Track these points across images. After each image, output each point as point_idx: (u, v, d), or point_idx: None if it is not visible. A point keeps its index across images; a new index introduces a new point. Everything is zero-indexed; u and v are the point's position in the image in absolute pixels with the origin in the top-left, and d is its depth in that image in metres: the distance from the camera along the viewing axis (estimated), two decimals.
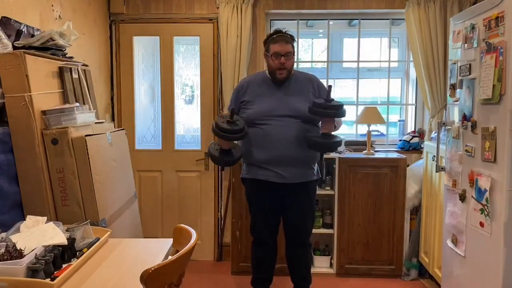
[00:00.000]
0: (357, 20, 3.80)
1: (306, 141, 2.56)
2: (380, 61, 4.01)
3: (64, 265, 1.60)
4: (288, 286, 2.92)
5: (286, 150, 2.56)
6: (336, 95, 3.91)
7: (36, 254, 1.51)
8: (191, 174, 3.82)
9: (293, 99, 2.61)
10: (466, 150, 2.34)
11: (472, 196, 2.26)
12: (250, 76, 2.90)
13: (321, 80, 2.80)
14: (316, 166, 2.73)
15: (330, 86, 2.51)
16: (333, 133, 2.59)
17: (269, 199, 2.69)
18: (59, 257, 1.59)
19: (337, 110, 2.48)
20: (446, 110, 3.25)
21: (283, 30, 2.66)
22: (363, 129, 3.89)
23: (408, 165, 3.50)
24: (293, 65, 2.67)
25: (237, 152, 2.63)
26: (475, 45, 2.26)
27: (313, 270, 3.22)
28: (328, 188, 3.49)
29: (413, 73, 3.75)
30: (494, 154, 2.06)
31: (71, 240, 1.70)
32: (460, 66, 2.44)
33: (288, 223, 2.77)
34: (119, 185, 2.52)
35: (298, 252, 2.82)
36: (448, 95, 2.69)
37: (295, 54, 2.69)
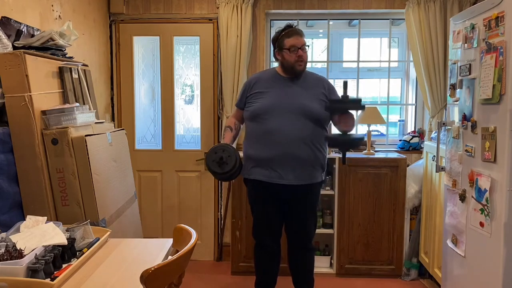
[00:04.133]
0: (357, 20, 3.80)
1: (312, 140, 2.53)
2: (380, 61, 4.02)
3: (64, 265, 1.60)
4: (292, 287, 2.89)
5: (290, 148, 2.50)
6: None
7: (36, 254, 1.51)
8: (191, 174, 3.82)
9: (301, 96, 2.56)
10: (466, 150, 2.34)
11: (472, 196, 2.26)
12: (259, 72, 2.85)
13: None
14: (322, 168, 2.65)
15: (345, 82, 2.39)
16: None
17: (271, 201, 2.64)
18: (59, 257, 1.59)
19: (357, 103, 2.42)
20: (446, 110, 3.25)
21: (293, 25, 2.63)
22: (363, 129, 3.89)
23: (408, 165, 3.50)
24: (307, 58, 2.63)
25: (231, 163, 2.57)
26: (475, 45, 2.26)
27: None
28: (328, 188, 3.49)
29: (413, 73, 3.75)
30: (494, 154, 2.06)
31: (71, 240, 1.70)
32: (460, 66, 2.44)
33: (290, 226, 2.72)
34: (119, 185, 2.52)
35: (300, 256, 2.77)
36: (448, 95, 2.69)
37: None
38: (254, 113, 2.59)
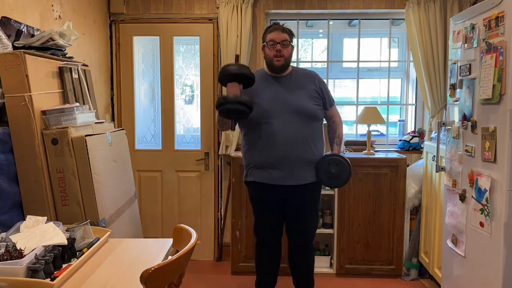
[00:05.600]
0: (357, 20, 3.80)
1: (309, 139, 2.54)
2: (380, 61, 4.01)
3: (64, 265, 1.60)
4: (292, 287, 2.89)
5: (288, 150, 2.51)
6: (336, 95, 3.92)
7: (36, 254, 1.51)
8: (191, 174, 3.82)
9: (294, 95, 2.56)
10: (466, 150, 2.34)
11: (472, 196, 2.26)
12: None
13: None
14: None
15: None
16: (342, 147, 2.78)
17: (271, 201, 2.66)
18: (59, 257, 1.59)
19: (341, 181, 2.68)
20: (446, 110, 3.25)
21: (281, 24, 2.63)
22: (363, 129, 3.89)
23: (408, 165, 3.50)
24: (290, 55, 2.60)
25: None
26: (475, 45, 2.26)
27: None
28: (328, 188, 3.48)
29: (413, 73, 3.75)
30: (494, 154, 2.06)
31: (71, 240, 1.70)
32: (460, 66, 2.44)
33: (291, 226, 2.73)
34: (119, 185, 2.52)
35: (300, 256, 2.78)
36: (448, 95, 2.69)
37: (293, 47, 2.63)
38: (249, 118, 2.57)
